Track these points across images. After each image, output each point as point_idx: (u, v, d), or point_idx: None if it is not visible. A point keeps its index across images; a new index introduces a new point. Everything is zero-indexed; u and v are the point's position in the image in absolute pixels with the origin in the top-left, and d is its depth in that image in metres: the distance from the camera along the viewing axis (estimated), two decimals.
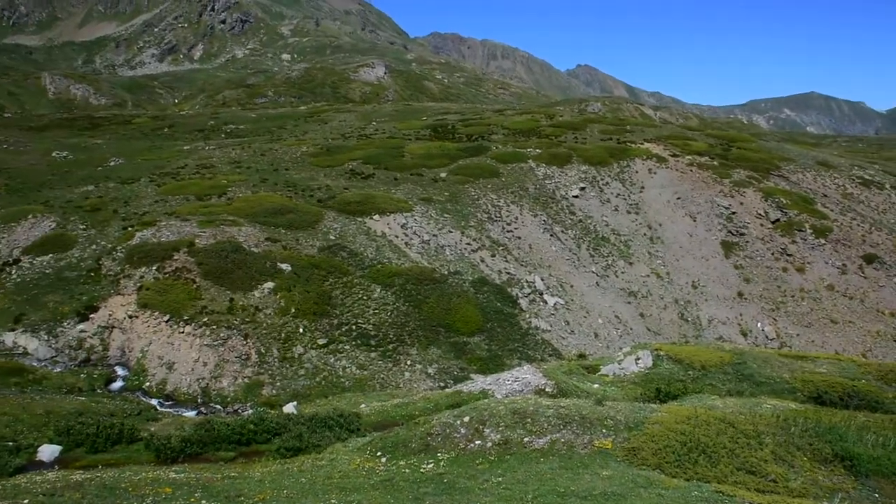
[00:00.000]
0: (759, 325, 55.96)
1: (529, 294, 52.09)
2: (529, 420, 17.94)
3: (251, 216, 52.19)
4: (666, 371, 27.59)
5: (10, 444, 20.96)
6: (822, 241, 62.98)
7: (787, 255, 62.18)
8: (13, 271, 45.85)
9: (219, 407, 35.82)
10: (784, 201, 67.43)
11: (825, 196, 72.09)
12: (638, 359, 29.11)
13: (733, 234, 64.39)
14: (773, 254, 62.53)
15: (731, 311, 57.25)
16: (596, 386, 26.59)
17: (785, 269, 61.05)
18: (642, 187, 70.88)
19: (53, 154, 79.10)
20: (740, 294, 58.62)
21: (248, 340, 39.44)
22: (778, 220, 65.36)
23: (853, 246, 62.61)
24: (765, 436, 16.78)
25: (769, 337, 54.66)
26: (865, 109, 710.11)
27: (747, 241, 63.72)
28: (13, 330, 40.07)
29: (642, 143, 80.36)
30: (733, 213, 66.27)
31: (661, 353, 29.26)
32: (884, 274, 59.90)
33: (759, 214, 66.16)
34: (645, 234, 64.82)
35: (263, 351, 39.14)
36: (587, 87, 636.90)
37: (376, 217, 55.69)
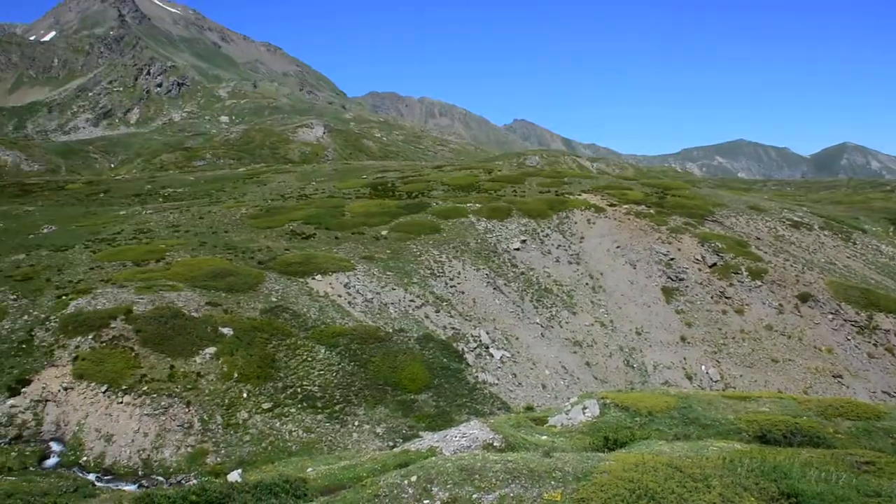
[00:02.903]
0: (703, 367, 56.71)
1: (475, 348, 51.98)
2: (477, 476, 17.67)
3: (190, 280, 51.23)
4: (613, 419, 27.63)
5: None
6: (759, 282, 64.59)
7: (726, 297, 63.52)
8: None
9: (161, 479, 34.54)
10: (720, 245, 69.17)
11: (758, 239, 74.21)
12: (585, 408, 29.12)
13: (673, 280, 65.60)
14: (712, 297, 63.80)
15: (676, 356, 57.97)
16: (544, 437, 26.46)
17: (725, 311, 62.29)
18: (582, 237, 71.97)
19: None
20: (683, 338, 59.49)
21: (191, 408, 38.34)
22: (715, 263, 66.90)
23: (788, 286, 64.31)
24: (712, 478, 16.82)
25: (713, 379, 55.40)
26: (791, 155, 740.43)
27: (687, 286, 64.96)
28: None
29: (580, 195, 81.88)
30: (672, 259, 67.64)
31: (608, 400, 29.34)
32: (818, 312, 61.53)
33: (697, 259, 67.65)
34: (587, 284, 65.59)
35: (207, 418, 38.06)
36: (525, 142, 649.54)
37: (318, 277, 55.23)
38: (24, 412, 38.74)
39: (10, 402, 39.03)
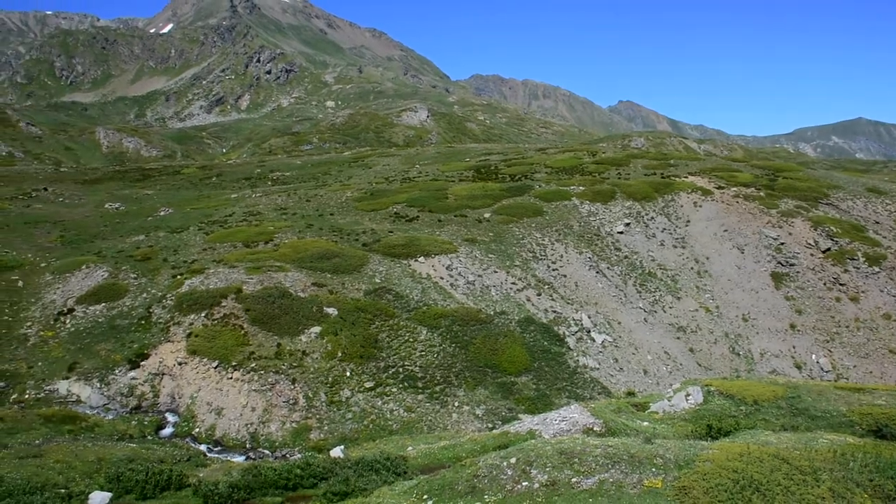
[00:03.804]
0: (813, 357, 54.47)
1: (577, 332, 51.54)
2: (577, 460, 17.61)
3: (297, 261, 52.80)
4: (717, 407, 26.93)
5: (62, 491, 21.26)
6: (876, 268, 61.36)
7: (840, 284, 60.64)
8: (67, 320, 46.93)
9: (267, 452, 35.93)
10: (834, 230, 65.99)
11: (877, 223, 70.39)
12: (688, 395, 28.49)
13: (783, 265, 63.12)
14: (825, 284, 61.05)
15: (784, 344, 55.88)
16: (645, 424, 26.06)
17: (838, 298, 59.53)
18: (688, 221, 70.10)
19: (106, 206, 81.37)
20: (792, 326, 57.24)
21: (296, 385, 39.62)
22: (829, 249, 63.92)
23: None
24: (821, 472, 16.22)
25: (824, 369, 53.13)
26: None
27: (798, 272, 62.38)
28: (67, 378, 40.90)
29: (687, 177, 79.71)
30: (782, 243, 65.04)
31: (712, 388, 28.60)
32: None
33: (809, 244, 64.81)
34: (692, 268, 63.91)
35: (311, 395, 39.25)
36: (630, 123, 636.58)
37: (421, 259, 55.90)
38: (142, 384, 41.03)
39: (131, 374, 41.41)
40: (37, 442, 31.06)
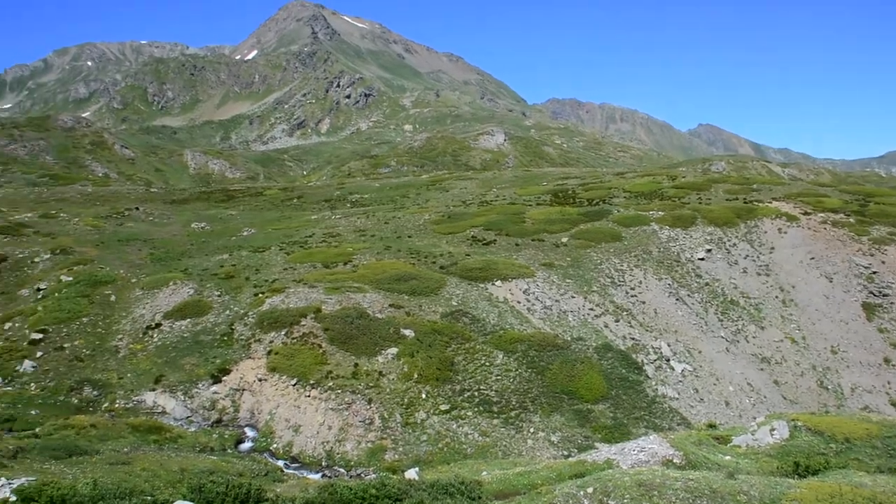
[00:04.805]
0: None
1: (655, 360, 50.52)
2: (656, 493, 17.20)
3: (375, 283, 53.40)
4: (804, 443, 25.91)
5: (149, 498, 21.85)
6: None
7: None
8: (155, 334, 48.57)
9: (342, 470, 36.25)
10: None
11: None
12: (773, 429, 27.52)
13: (875, 296, 60.59)
14: None
15: (878, 379, 53.51)
16: (727, 458, 25.27)
17: None
18: (772, 248, 68.11)
19: (192, 225, 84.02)
20: (887, 360, 54.81)
21: (372, 405, 39.93)
22: None
23: None
24: None
25: None
26: None
27: (892, 303, 59.77)
28: (153, 390, 42.28)
29: (770, 202, 77.58)
30: (874, 272, 62.49)
31: (799, 423, 27.55)
32: None
33: None
34: (777, 297, 61.97)
35: (386, 416, 39.47)
36: (710, 147, 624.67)
37: (498, 283, 55.81)
38: (224, 399, 42.05)
39: (213, 388, 42.49)
40: (125, 450, 32.19)
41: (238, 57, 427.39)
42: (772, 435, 27.34)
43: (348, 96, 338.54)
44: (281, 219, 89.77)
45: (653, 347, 52.03)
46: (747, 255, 66.94)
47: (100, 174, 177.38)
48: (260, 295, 52.08)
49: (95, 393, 42.14)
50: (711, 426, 41.03)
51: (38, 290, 56.18)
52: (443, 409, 40.50)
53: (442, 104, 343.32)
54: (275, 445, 38.51)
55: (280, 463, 36.22)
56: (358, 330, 45.68)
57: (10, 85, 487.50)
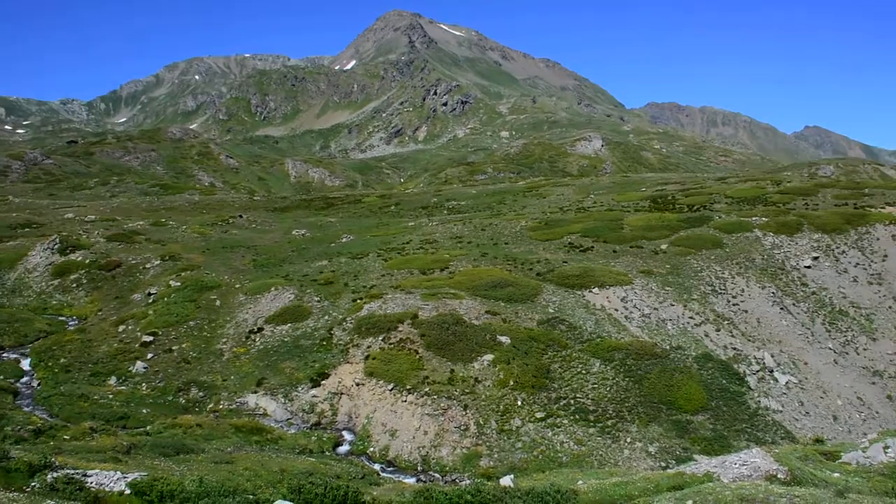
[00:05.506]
0: None
1: (758, 371, 48.69)
2: None
3: (471, 289, 53.49)
4: None
5: (251, 496, 22.46)
6: None
7: None
8: (257, 339, 50.09)
9: (437, 475, 36.38)
10: None
11: None
12: (887, 447, 26.06)
13: None
14: None
15: None
16: (836, 475, 24.06)
17: None
18: (885, 255, 64.69)
19: (293, 232, 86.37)
20: None
21: (467, 411, 39.94)
22: None
23: None
24: None
25: None
26: None
27: None
28: (255, 392, 43.59)
29: (884, 208, 73.76)
30: None
31: None
32: None
33: None
34: (890, 307, 58.77)
35: (482, 422, 39.42)
36: (817, 150, 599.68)
37: (595, 290, 55.03)
38: (322, 402, 42.91)
39: (312, 392, 43.42)
40: (228, 449, 33.26)
41: (337, 67, 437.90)
42: (885, 453, 25.92)
43: (445, 104, 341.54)
44: (379, 225, 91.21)
45: (755, 358, 50.18)
46: (858, 263, 63.82)
47: (206, 183, 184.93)
48: (358, 301, 52.93)
49: (201, 394, 43.88)
50: (818, 441, 39.24)
51: (149, 294, 58.91)
52: (538, 416, 40.16)
53: (538, 110, 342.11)
54: (371, 449, 39.00)
55: (376, 466, 36.64)
56: (454, 336, 45.83)
57: (125, 100, 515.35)
